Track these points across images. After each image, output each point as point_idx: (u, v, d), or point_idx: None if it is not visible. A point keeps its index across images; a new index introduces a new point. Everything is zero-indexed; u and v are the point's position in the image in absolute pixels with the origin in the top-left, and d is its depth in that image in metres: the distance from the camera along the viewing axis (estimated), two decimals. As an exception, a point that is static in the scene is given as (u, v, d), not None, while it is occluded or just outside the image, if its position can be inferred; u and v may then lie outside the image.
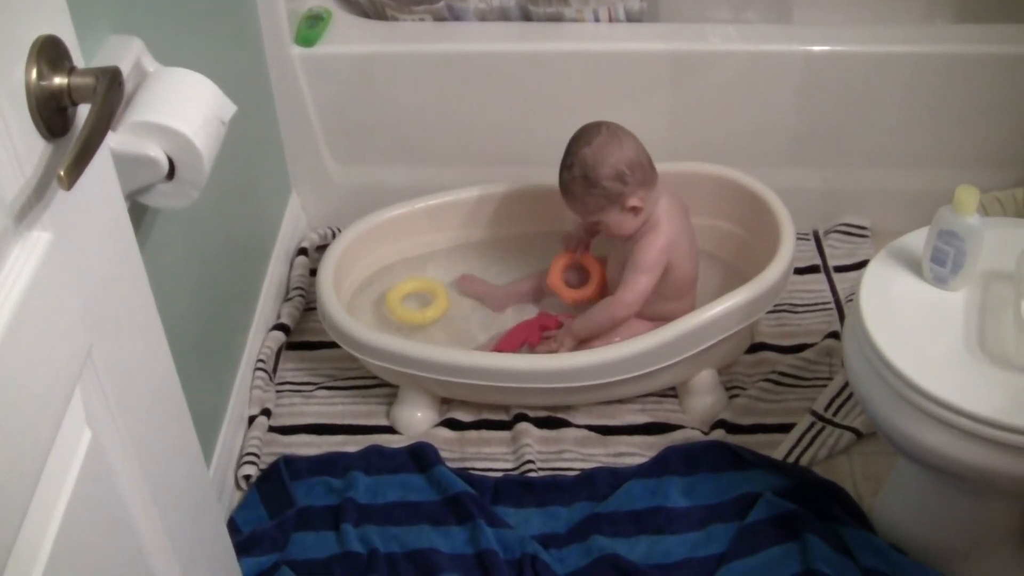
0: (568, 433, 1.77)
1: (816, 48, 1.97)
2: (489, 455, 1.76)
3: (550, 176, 1.77)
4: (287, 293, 2.06)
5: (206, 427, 1.63)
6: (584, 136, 1.71)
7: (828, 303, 2.01)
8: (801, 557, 1.53)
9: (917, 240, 1.43)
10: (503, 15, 2.04)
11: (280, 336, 1.94)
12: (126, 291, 0.86)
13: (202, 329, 1.63)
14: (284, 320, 1.97)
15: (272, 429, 1.81)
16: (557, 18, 2.02)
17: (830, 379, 1.84)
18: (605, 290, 1.88)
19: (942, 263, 1.38)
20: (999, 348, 1.30)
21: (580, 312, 1.83)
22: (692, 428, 1.78)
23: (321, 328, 1.84)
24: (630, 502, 1.64)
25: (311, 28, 2.00)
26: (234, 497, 1.71)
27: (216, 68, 1.41)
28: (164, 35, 1.40)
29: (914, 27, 2.20)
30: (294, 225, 2.16)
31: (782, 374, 1.85)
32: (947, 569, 1.50)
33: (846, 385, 1.77)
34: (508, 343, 1.82)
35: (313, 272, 2.07)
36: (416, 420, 1.80)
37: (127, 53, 1.24)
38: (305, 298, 2.04)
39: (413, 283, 1.95)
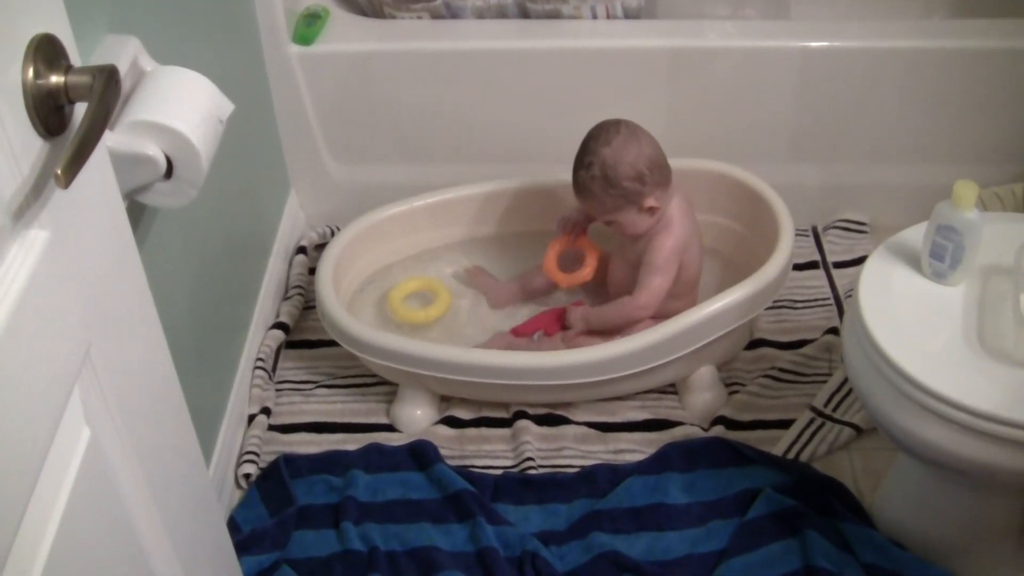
0: (568, 430, 1.77)
1: (814, 44, 1.97)
2: (489, 452, 1.76)
3: (549, 173, 1.77)
4: (286, 292, 2.06)
5: (206, 426, 1.63)
6: (603, 135, 1.69)
7: (827, 299, 2.02)
8: (801, 553, 1.53)
9: (916, 235, 1.43)
10: (501, 12, 2.04)
11: (279, 335, 1.94)
12: (125, 290, 0.86)
13: (201, 328, 1.63)
14: (283, 319, 1.98)
15: (272, 427, 1.81)
16: (555, 15, 2.01)
17: (829, 375, 1.84)
18: (600, 275, 1.88)
19: (941, 258, 1.38)
20: (998, 343, 1.30)
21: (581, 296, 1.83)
22: (692, 424, 1.78)
23: (320, 326, 1.84)
24: (630, 499, 1.64)
25: (309, 26, 2.00)
26: (234, 496, 1.71)
27: (214, 67, 1.41)
28: (162, 34, 1.40)
29: (912, 22, 2.20)
30: (293, 223, 2.16)
31: (781, 370, 1.85)
32: (947, 564, 1.50)
33: (845, 381, 1.78)
34: (526, 328, 1.84)
35: (312, 271, 2.07)
36: (416, 418, 1.80)
37: (124, 52, 1.24)
38: (304, 297, 2.04)
39: (415, 283, 1.95)
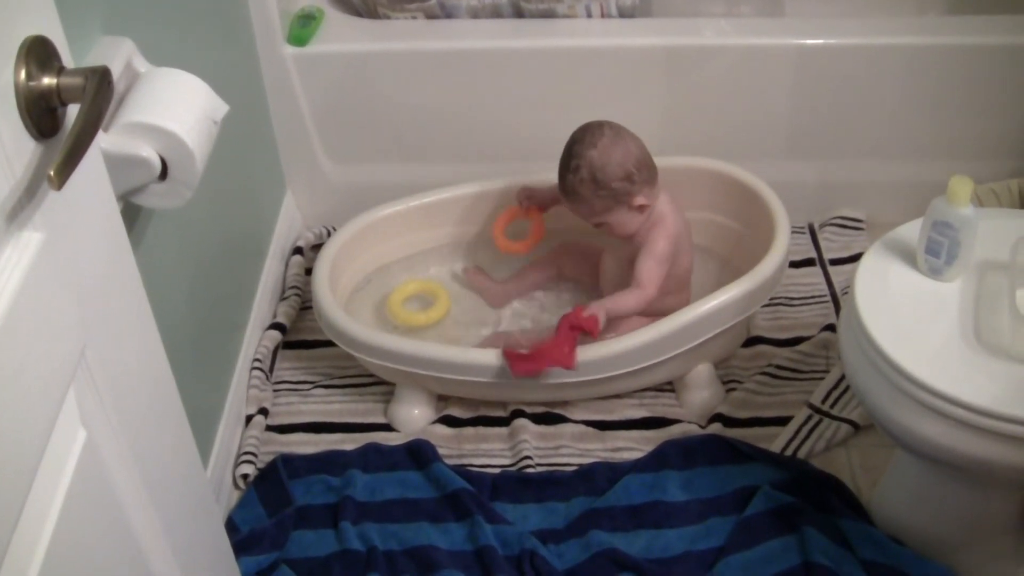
0: (565, 429, 1.77)
1: (809, 41, 1.97)
2: (487, 451, 1.76)
3: (545, 172, 1.77)
4: (283, 292, 2.06)
5: (203, 426, 1.63)
6: (588, 137, 1.68)
7: (824, 296, 2.02)
8: (800, 549, 1.53)
9: (911, 231, 1.43)
10: (495, 12, 2.04)
11: (276, 335, 1.94)
12: (120, 291, 0.86)
13: (198, 329, 1.63)
14: (280, 319, 1.97)
15: (269, 428, 1.81)
16: (549, 14, 2.01)
17: (827, 372, 1.84)
18: (592, 275, 1.90)
19: (936, 254, 1.38)
20: (994, 338, 1.30)
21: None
22: (689, 422, 1.78)
23: (317, 327, 1.84)
24: (628, 497, 1.64)
25: (303, 27, 2.00)
26: (232, 496, 1.71)
27: (209, 68, 1.41)
28: (156, 36, 1.40)
29: (907, 19, 2.20)
30: (289, 224, 2.16)
31: (779, 367, 1.85)
32: (945, 560, 1.50)
33: (843, 377, 1.78)
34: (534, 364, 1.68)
35: (309, 271, 2.07)
36: (413, 417, 1.80)
37: (118, 54, 1.24)
38: (301, 297, 2.04)
39: (414, 285, 1.95)
